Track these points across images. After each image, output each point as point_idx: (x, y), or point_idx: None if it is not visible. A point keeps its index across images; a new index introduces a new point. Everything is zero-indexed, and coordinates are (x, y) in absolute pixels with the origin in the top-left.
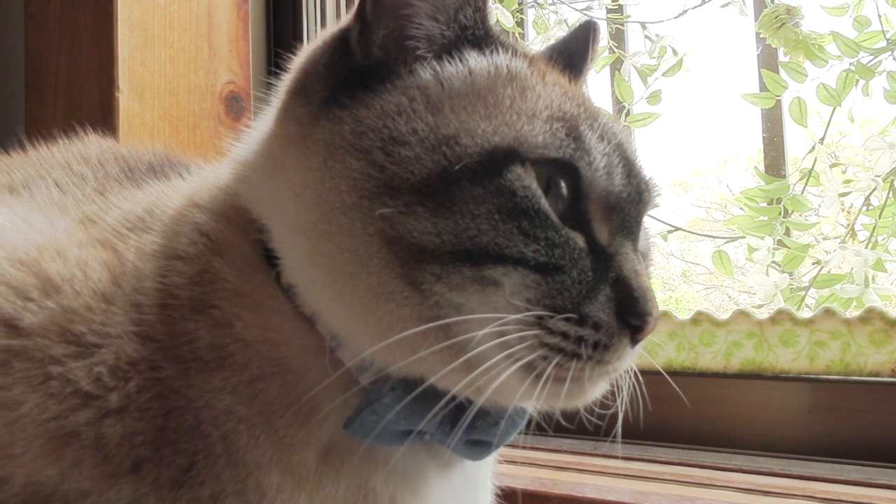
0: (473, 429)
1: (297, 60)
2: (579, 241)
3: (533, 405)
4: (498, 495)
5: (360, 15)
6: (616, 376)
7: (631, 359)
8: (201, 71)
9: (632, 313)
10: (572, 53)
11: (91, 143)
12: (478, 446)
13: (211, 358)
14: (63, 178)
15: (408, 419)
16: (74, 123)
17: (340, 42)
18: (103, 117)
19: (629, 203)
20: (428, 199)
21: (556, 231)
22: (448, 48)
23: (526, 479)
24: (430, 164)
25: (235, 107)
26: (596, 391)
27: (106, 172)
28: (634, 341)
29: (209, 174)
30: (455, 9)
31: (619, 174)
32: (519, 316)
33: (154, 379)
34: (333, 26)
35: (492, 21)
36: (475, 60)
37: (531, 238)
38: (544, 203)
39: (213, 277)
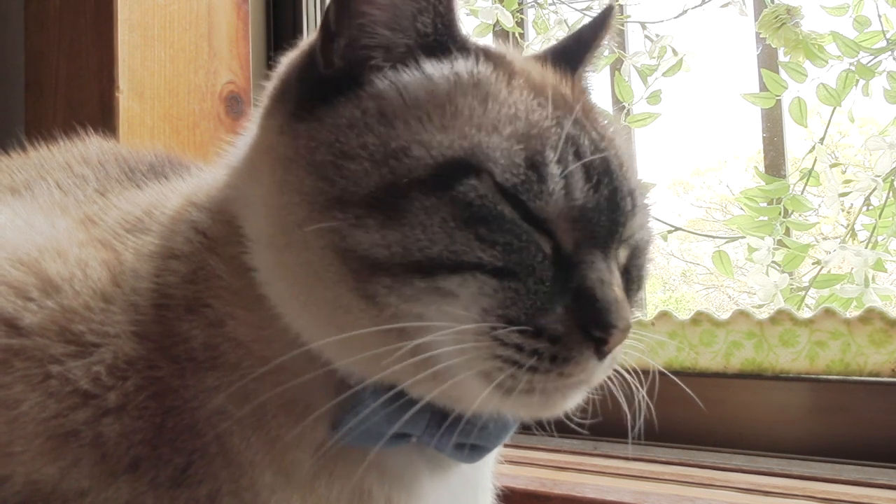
0: (462, 432)
1: (280, 67)
2: (546, 246)
3: (511, 413)
4: (498, 495)
5: (324, 24)
6: (592, 386)
7: (604, 370)
8: (201, 71)
9: (594, 325)
10: (584, 42)
11: (92, 144)
12: (469, 449)
13: (204, 358)
14: (64, 178)
15: (391, 422)
16: (74, 124)
17: (311, 52)
18: (103, 117)
19: (597, 213)
20: (377, 211)
21: (517, 235)
22: (406, 57)
23: (526, 479)
24: (377, 176)
25: (235, 107)
26: (569, 402)
27: (107, 173)
28: (601, 353)
29: (208, 175)
30: (412, 16)
31: (582, 189)
32: (473, 326)
33: (152, 378)
34: (313, 35)
35: (459, 25)
36: (435, 68)
37: (489, 243)
38: (504, 209)
39: (208, 275)
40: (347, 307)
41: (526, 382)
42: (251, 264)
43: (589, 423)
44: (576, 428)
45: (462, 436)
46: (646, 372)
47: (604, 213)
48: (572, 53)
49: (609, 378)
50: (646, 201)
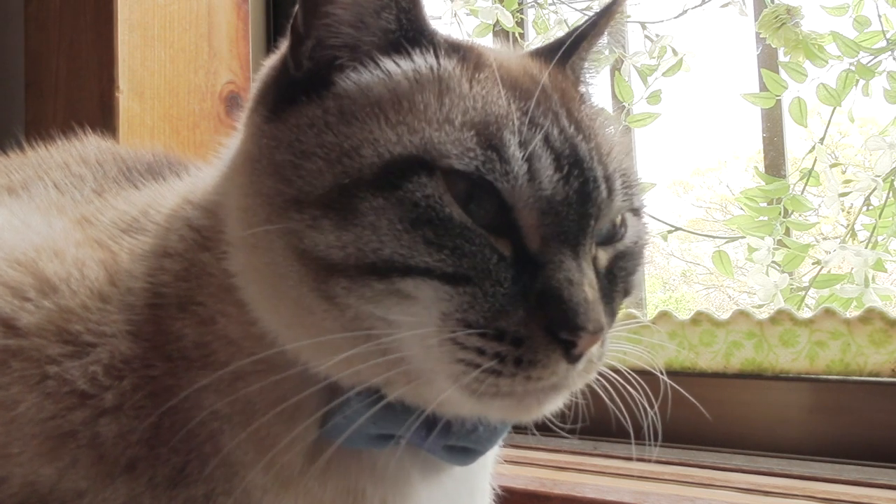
0: (451, 435)
1: (262, 70)
2: (504, 249)
3: (490, 416)
4: (498, 496)
5: (293, 27)
6: (572, 390)
7: (581, 374)
8: (201, 71)
9: (560, 327)
10: (580, 33)
11: (90, 144)
12: (460, 452)
13: (196, 356)
14: (62, 179)
15: (377, 423)
16: (74, 123)
17: (285, 56)
18: (103, 117)
19: (566, 206)
20: (333, 212)
21: (467, 239)
22: (371, 55)
23: (526, 479)
24: (331, 176)
25: (235, 107)
26: (546, 406)
27: (105, 173)
28: (572, 357)
29: (206, 174)
30: (375, 13)
31: (550, 178)
32: (433, 329)
33: (147, 377)
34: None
35: (425, 20)
36: (396, 65)
37: (436, 247)
38: (453, 210)
39: (200, 272)
40: (311, 308)
41: (491, 385)
42: (230, 269)
43: (590, 424)
44: (560, 430)
45: (452, 438)
46: (644, 373)
47: (573, 205)
48: (567, 46)
49: (610, 379)
50: (631, 194)
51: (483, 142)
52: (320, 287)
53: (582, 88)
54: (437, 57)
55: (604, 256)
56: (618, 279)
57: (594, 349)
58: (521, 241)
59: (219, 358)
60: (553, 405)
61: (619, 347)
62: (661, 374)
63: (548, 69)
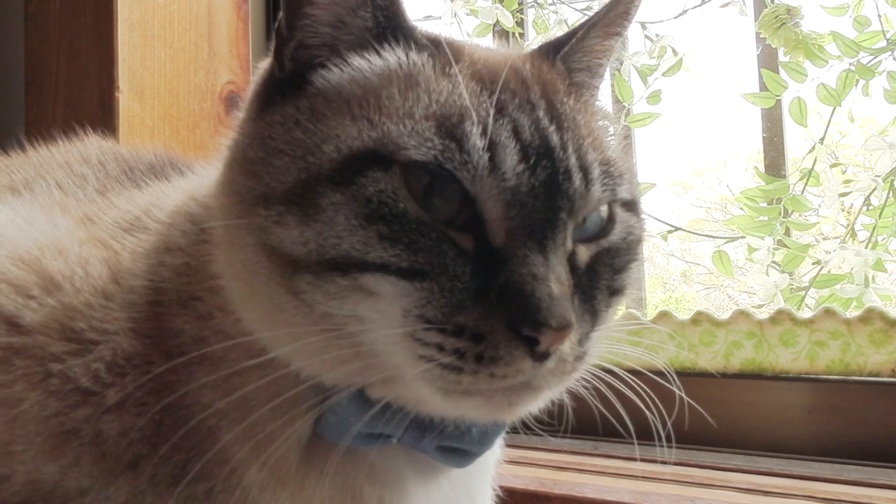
0: (443, 435)
1: (255, 73)
2: (466, 243)
3: (465, 416)
4: (499, 498)
5: (278, 30)
6: (545, 391)
7: (554, 373)
8: (201, 71)
9: (521, 323)
10: (577, 28)
11: (91, 144)
12: (454, 454)
13: (195, 352)
14: (64, 178)
15: (367, 422)
16: (74, 123)
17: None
18: (103, 117)
19: (532, 198)
20: (296, 207)
21: (423, 234)
22: (348, 53)
23: (526, 479)
24: (295, 172)
25: (235, 107)
26: (519, 406)
27: (107, 172)
28: (537, 355)
29: (210, 172)
30: (352, 12)
31: (514, 168)
32: (396, 325)
33: (149, 374)
34: None
35: (402, 16)
36: (368, 62)
37: (390, 242)
38: (408, 205)
39: (199, 266)
40: (281, 305)
41: (454, 383)
42: (215, 268)
43: (590, 424)
44: (586, 426)
45: (444, 439)
46: (637, 372)
47: (539, 197)
48: (561, 40)
49: (612, 379)
50: (615, 185)
51: (443, 132)
52: (287, 283)
53: (578, 80)
54: (408, 52)
55: (585, 253)
56: (601, 276)
57: (566, 348)
58: (486, 235)
59: (216, 354)
60: (528, 406)
61: (619, 349)
62: (672, 375)
63: (541, 65)
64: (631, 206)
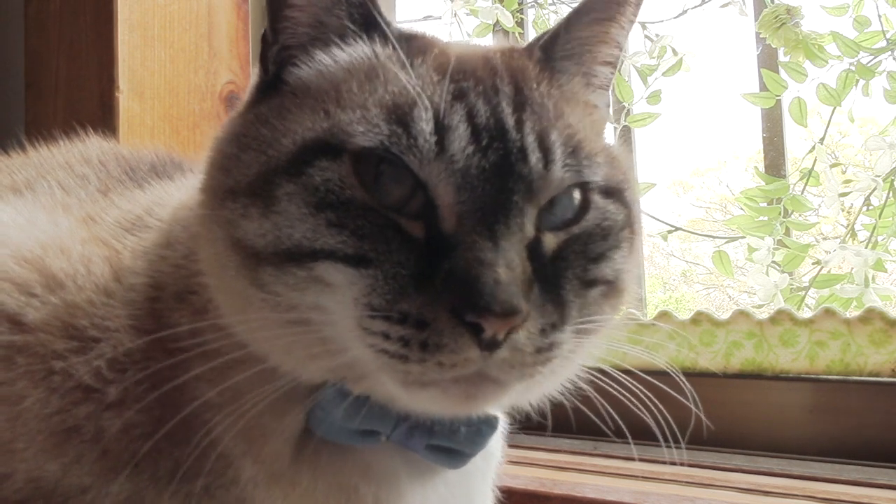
0: (432, 434)
1: (251, 78)
2: (415, 230)
3: (429, 410)
4: (498, 496)
5: (263, 35)
6: (505, 385)
7: (506, 364)
8: (201, 71)
9: (465, 309)
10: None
11: (92, 144)
12: (445, 453)
13: (192, 346)
14: (65, 178)
15: (353, 418)
16: (74, 124)
17: None
18: (103, 117)
19: (483, 181)
20: (259, 199)
21: (369, 220)
22: (312, 50)
23: (526, 479)
24: (257, 165)
25: (235, 107)
26: (478, 400)
27: (108, 172)
28: (484, 343)
29: None
30: (327, 11)
31: (463, 150)
32: (349, 312)
33: (149, 370)
34: None
35: (375, 12)
36: (333, 59)
37: (337, 229)
38: (355, 192)
39: (197, 260)
40: (249, 298)
41: (402, 373)
42: (200, 267)
43: (592, 423)
44: (586, 426)
45: (434, 438)
46: (649, 373)
47: (490, 180)
48: (547, 31)
49: (611, 378)
50: (582, 166)
51: (391, 118)
52: (252, 276)
53: (557, 66)
54: (373, 46)
55: (552, 240)
56: (571, 265)
57: (520, 337)
58: (437, 221)
59: (211, 347)
60: (489, 400)
61: (620, 347)
62: (680, 376)
63: (506, 51)
64: (612, 193)
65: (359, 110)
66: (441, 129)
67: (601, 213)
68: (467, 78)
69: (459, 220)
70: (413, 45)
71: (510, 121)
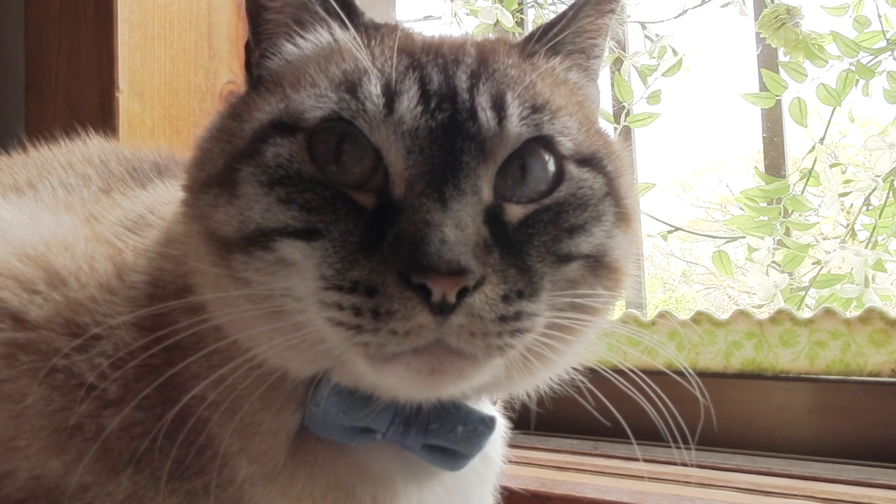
0: (428, 432)
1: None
2: (365, 200)
3: (397, 391)
4: (498, 496)
5: (247, 44)
6: (468, 356)
7: (464, 331)
8: (201, 71)
9: (410, 269)
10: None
11: (93, 144)
12: (442, 454)
13: (189, 344)
14: (67, 177)
15: (346, 414)
16: (75, 123)
17: None
18: (103, 117)
19: (431, 142)
20: (225, 187)
21: (317, 193)
22: (280, 41)
23: (526, 479)
24: (224, 155)
25: None
26: (445, 377)
27: (110, 172)
28: (435, 307)
29: None
30: (300, 8)
31: (411, 110)
32: (310, 289)
33: (149, 367)
34: None
35: (350, 3)
36: (299, 48)
37: (286, 205)
38: (304, 167)
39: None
40: (226, 288)
41: (359, 344)
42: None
43: (592, 423)
44: (586, 426)
45: (430, 437)
46: (648, 372)
47: (438, 140)
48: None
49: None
50: (540, 120)
51: (339, 89)
52: (225, 265)
53: (533, 49)
54: (335, 32)
55: (519, 211)
56: (539, 233)
57: (476, 301)
58: (388, 188)
59: (207, 344)
60: (456, 375)
61: (619, 347)
62: (694, 377)
63: (484, 37)
64: (587, 161)
65: (311, 89)
66: (390, 93)
67: (576, 183)
68: (428, 53)
69: (409, 185)
70: (377, 32)
71: (463, 85)
